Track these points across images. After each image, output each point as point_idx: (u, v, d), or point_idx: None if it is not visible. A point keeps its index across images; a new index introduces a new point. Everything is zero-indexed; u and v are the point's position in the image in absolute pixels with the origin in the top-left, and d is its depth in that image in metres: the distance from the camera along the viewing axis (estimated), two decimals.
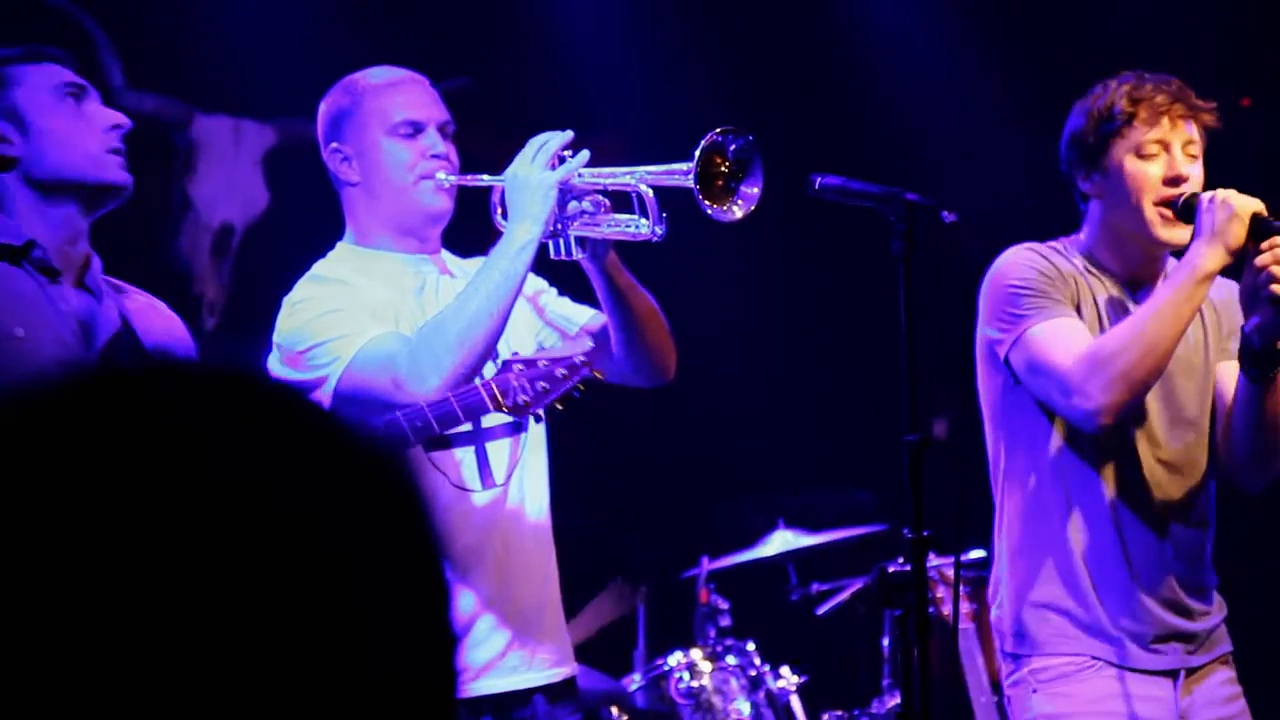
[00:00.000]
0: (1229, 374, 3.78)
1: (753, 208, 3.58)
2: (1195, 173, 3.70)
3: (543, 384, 3.43)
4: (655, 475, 7.01)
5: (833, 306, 7.18)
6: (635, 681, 5.91)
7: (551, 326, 3.88)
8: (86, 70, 3.37)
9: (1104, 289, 3.75)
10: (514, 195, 3.63)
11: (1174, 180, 3.66)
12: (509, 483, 3.73)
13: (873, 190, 3.61)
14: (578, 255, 3.69)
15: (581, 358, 3.45)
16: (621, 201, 3.67)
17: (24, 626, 0.87)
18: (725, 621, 5.99)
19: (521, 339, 3.81)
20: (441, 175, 3.76)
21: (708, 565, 6.12)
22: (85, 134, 3.26)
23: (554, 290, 3.94)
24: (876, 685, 5.95)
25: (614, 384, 3.91)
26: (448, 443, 3.67)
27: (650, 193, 3.59)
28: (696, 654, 5.86)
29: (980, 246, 3.79)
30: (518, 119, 6.11)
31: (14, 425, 0.92)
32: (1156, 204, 3.67)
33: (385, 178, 3.75)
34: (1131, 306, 3.75)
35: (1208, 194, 3.59)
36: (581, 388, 3.48)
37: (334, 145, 3.80)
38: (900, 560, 3.52)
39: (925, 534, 3.46)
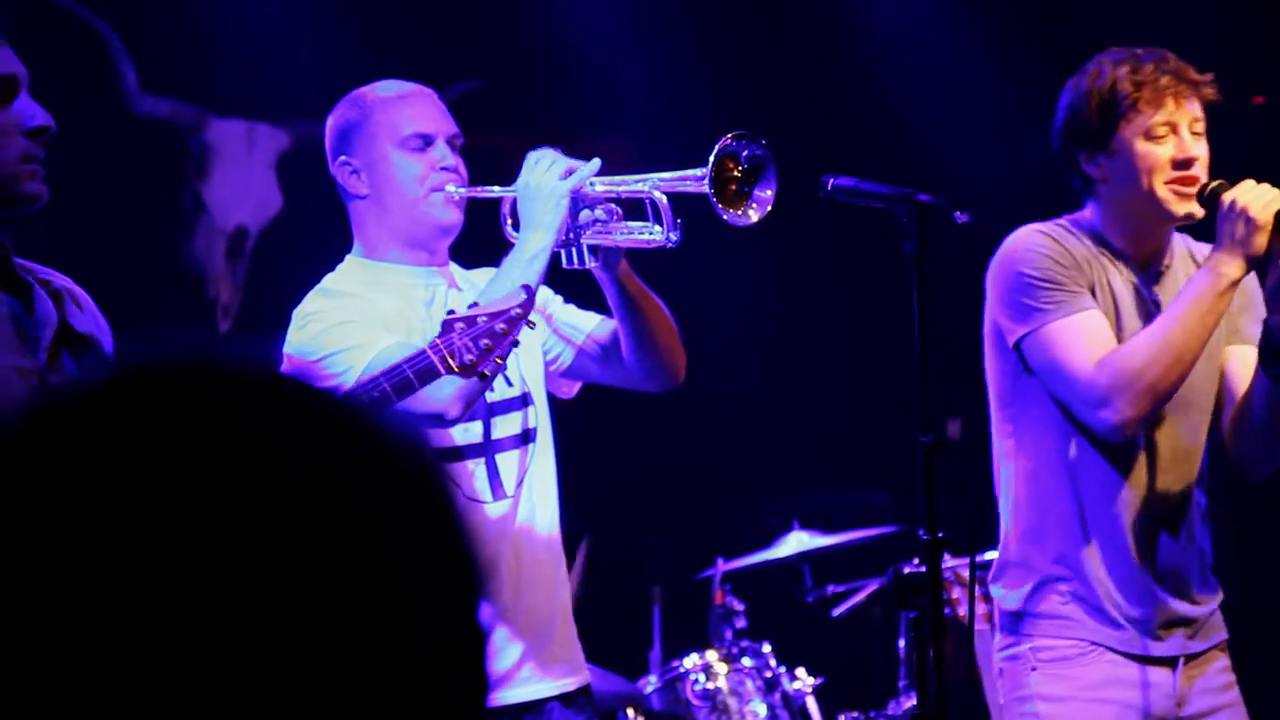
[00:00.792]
0: (1240, 359, 3.77)
1: (767, 211, 3.58)
2: (1202, 151, 3.70)
3: (485, 341, 3.36)
4: (670, 477, 7.01)
5: (846, 308, 7.18)
6: (651, 683, 5.91)
7: (559, 335, 3.87)
8: (95, 71, 3.22)
9: (1117, 272, 3.74)
10: (525, 204, 3.62)
11: (1185, 162, 3.66)
12: (519, 493, 3.73)
13: (885, 191, 3.60)
14: (590, 264, 3.68)
15: (517, 310, 3.34)
16: (634, 209, 3.66)
17: (51, 626, 0.88)
18: (741, 623, 5.99)
19: (530, 347, 3.81)
20: (451, 188, 3.74)
21: (723, 567, 6.12)
22: (5, 136, 2.93)
23: (560, 298, 3.93)
24: (892, 687, 5.95)
25: (624, 390, 3.91)
26: (460, 454, 3.67)
27: (664, 199, 3.58)
28: (712, 656, 5.85)
29: (993, 247, 3.79)
30: (528, 122, 6.13)
31: (44, 430, 0.92)
32: (1168, 183, 3.67)
33: (395, 191, 3.74)
34: (1143, 290, 3.75)
35: (1229, 194, 3.58)
36: (518, 341, 3.38)
37: (343, 158, 3.78)
38: (915, 561, 3.52)
39: (940, 535, 3.45)
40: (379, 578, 0.92)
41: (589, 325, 3.88)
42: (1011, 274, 3.71)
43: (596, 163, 3.65)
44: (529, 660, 3.70)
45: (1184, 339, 3.57)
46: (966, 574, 4.51)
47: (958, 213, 3.47)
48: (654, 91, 7.00)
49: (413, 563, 0.94)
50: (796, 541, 6.21)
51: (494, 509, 3.70)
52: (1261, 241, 3.55)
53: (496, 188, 3.76)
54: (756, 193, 3.58)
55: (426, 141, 3.75)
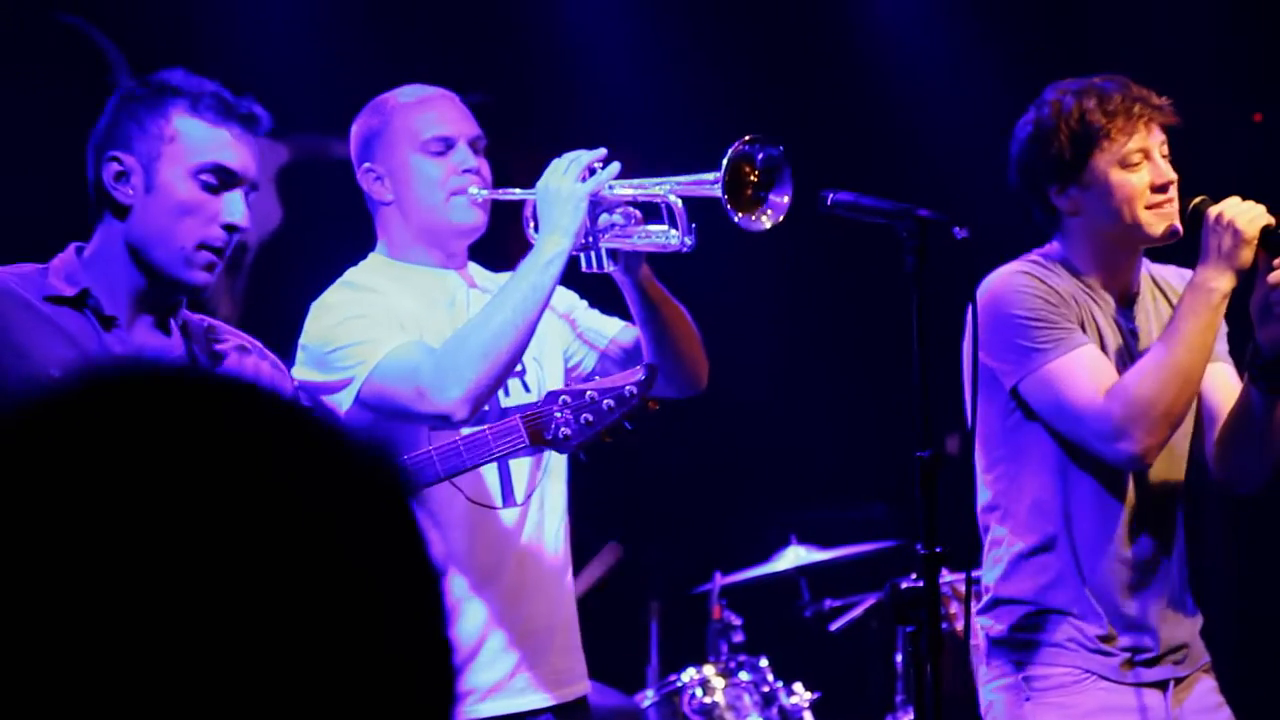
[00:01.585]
0: (1216, 378, 3.77)
1: (781, 217, 3.57)
2: (1173, 175, 3.70)
3: (587, 416, 3.40)
4: (668, 490, 7.01)
5: (845, 322, 7.18)
6: (648, 698, 5.91)
7: (582, 340, 3.87)
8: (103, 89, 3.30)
9: (1099, 307, 3.74)
10: (544, 208, 3.63)
11: (1164, 187, 3.66)
12: (529, 502, 3.73)
13: (885, 207, 3.60)
14: (610, 268, 3.69)
15: (632, 389, 3.40)
16: (652, 212, 3.66)
17: (36, 630, 0.88)
18: (738, 637, 5.99)
19: (551, 353, 3.81)
20: (474, 190, 3.75)
21: (720, 581, 6.12)
22: (195, 221, 3.13)
23: (584, 303, 3.93)
24: (890, 701, 5.94)
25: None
26: None
27: (679, 203, 3.59)
28: (709, 670, 5.85)
29: (993, 263, 3.78)
30: (537, 133, 6.13)
31: (17, 431, 0.93)
32: (1148, 208, 3.67)
33: (417, 195, 3.75)
34: (1119, 320, 3.75)
35: (1214, 209, 3.59)
36: (630, 421, 3.44)
37: (366, 165, 3.80)
38: (913, 576, 3.51)
39: (938, 550, 3.45)
40: (336, 586, 0.92)
41: (612, 331, 3.88)
42: (1001, 317, 3.67)
43: (616, 166, 3.65)
44: (523, 671, 3.69)
45: (1189, 359, 3.57)
46: (964, 589, 4.50)
47: (957, 228, 3.47)
48: (660, 106, 7.00)
49: (373, 572, 0.94)
50: (794, 556, 6.21)
51: (504, 516, 3.70)
52: (1248, 255, 3.56)
53: (518, 190, 3.78)
54: (772, 198, 3.57)
55: (447, 145, 3.76)
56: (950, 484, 3.55)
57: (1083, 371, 3.63)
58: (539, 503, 3.74)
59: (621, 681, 5.95)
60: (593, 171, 3.64)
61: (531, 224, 3.74)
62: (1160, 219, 3.67)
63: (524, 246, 3.70)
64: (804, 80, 7.14)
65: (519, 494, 3.71)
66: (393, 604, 0.95)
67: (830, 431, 7.18)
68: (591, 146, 3.68)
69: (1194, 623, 3.82)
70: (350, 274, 3.75)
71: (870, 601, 6.10)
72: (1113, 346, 3.73)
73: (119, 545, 0.89)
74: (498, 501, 3.69)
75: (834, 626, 6.12)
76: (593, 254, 3.67)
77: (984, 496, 3.83)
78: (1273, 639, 6.08)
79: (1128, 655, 3.71)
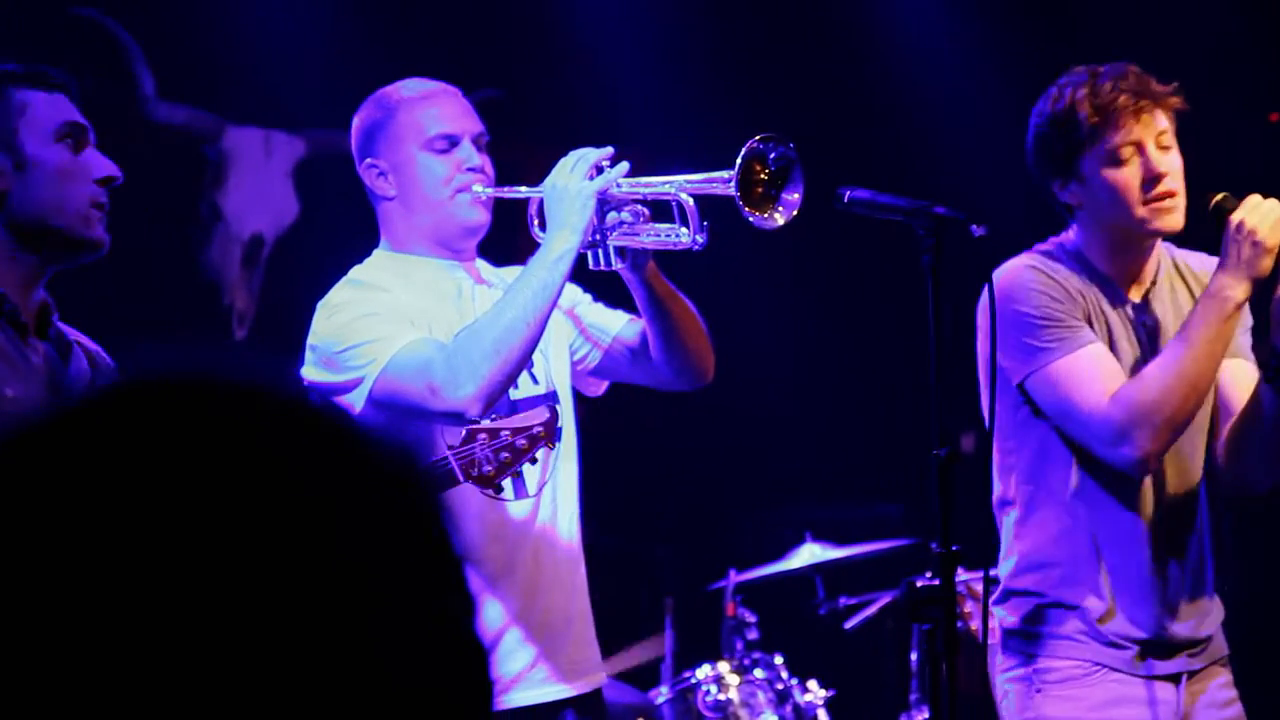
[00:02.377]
0: (1233, 373, 3.75)
1: (793, 215, 3.57)
2: (1173, 162, 3.66)
3: (506, 455, 3.42)
4: (683, 488, 7.01)
5: (860, 320, 7.18)
6: (662, 694, 5.90)
7: (586, 336, 3.87)
8: (116, 83, 3.28)
9: (1107, 296, 3.72)
10: (552, 205, 3.62)
11: (1154, 180, 3.63)
12: (541, 494, 3.73)
13: (901, 204, 3.59)
14: (617, 265, 3.68)
15: (540, 429, 3.43)
16: (662, 210, 3.66)
17: (45, 633, 0.88)
18: (753, 635, 5.98)
19: (557, 346, 3.81)
20: (478, 188, 3.74)
21: (735, 578, 6.11)
22: (78, 182, 3.05)
23: (589, 297, 3.93)
24: (904, 700, 5.94)
25: (639, 397, 3.90)
26: None
27: (691, 202, 3.58)
28: (724, 667, 5.85)
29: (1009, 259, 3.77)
30: (547, 130, 6.13)
31: (37, 442, 0.93)
32: (1145, 203, 3.64)
33: (421, 192, 3.74)
34: (1134, 311, 3.73)
35: (1235, 216, 3.55)
36: (536, 459, 3.46)
37: (369, 160, 3.78)
38: (928, 574, 3.51)
39: (953, 548, 3.44)
40: (357, 590, 0.92)
41: (617, 325, 3.88)
42: (1008, 313, 3.66)
43: (624, 165, 3.64)
44: (542, 663, 3.69)
45: (1196, 368, 3.55)
46: (979, 587, 4.50)
47: (974, 226, 3.46)
48: (669, 104, 7.01)
49: (400, 577, 0.94)
50: (809, 553, 6.20)
51: (516, 508, 3.70)
52: (1268, 264, 3.54)
53: (524, 188, 3.77)
54: (784, 196, 3.57)
55: (452, 142, 3.75)
56: (966, 482, 3.54)
57: (1087, 372, 3.62)
58: (550, 495, 3.74)
59: (636, 678, 5.96)
60: (600, 170, 3.64)
61: (536, 222, 3.73)
62: (1158, 215, 3.64)
63: (531, 243, 3.70)
64: (815, 77, 7.14)
65: (531, 487, 3.71)
66: (424, 600, 0.95)
67: (846, 429, 7.18)
68: (599, 145, 3.68)
69: (1214, 615, 3.80)
70: (356, 271, 3.74)
71: (885, 600, 6.10)
72: (1122, 340, 3.72)
73: (148, 551, 0.89)
74: (510, 494, 3.69)
75: (849, 624, 6.11)
76: (600, 252, 3.67)
77: (997, 489, 3.83)
78: (1272, 640, 6.06)
79: (1139, 648, 3.70)
